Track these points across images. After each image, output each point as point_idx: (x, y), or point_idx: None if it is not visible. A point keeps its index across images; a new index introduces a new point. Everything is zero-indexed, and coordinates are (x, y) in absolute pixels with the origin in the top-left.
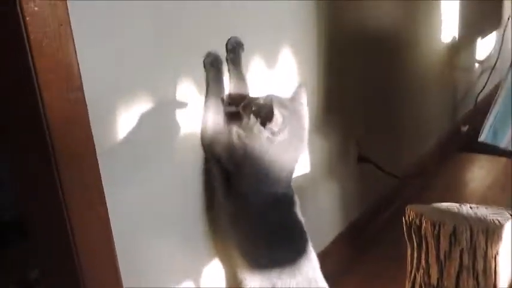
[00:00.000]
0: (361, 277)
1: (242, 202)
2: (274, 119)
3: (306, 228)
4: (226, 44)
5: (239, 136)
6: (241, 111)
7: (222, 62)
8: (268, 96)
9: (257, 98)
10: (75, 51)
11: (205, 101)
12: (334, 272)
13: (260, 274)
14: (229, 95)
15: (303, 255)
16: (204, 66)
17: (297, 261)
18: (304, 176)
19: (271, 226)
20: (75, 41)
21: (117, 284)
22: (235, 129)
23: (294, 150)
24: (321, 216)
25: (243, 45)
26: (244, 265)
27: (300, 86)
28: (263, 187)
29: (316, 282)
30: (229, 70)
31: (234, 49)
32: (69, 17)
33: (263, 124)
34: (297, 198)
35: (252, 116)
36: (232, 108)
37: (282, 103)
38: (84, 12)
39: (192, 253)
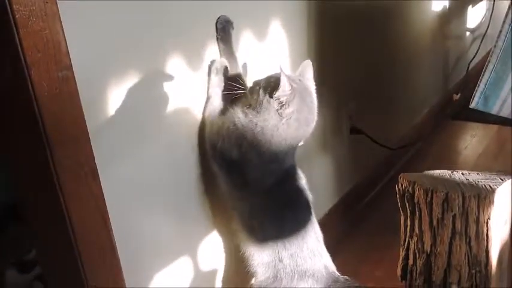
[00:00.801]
0: (357, 248)
1: (250, 186)
2: (282, 84)
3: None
4: (216, 23)
5: (246, 116)
6: (248, 93)
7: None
8: (276, 73)
9: (264, 77)
10: (63, 29)
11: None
12: (329, 244)
13: (268, 248)
14: (228, 79)
15: (308, 225)
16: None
17: (303, 232)
18: (298, 149)
19: (279, 200)
20: (62, 19)
21: (114, 260)
22: (240, 110)
23: (304, 124)
24: (315, 188)
25: (232, 23)
26: (250, 241)
27: (307, 62)
28: (272, 166)
29: (319, 253)
30: (220, 49)
31: (224, 28)
32: None
33: (271, 95)
34: (301, 173)
35: (260, 91)
36: (236, 91)
37: (290, 77)
38: None
39: (188, 228)
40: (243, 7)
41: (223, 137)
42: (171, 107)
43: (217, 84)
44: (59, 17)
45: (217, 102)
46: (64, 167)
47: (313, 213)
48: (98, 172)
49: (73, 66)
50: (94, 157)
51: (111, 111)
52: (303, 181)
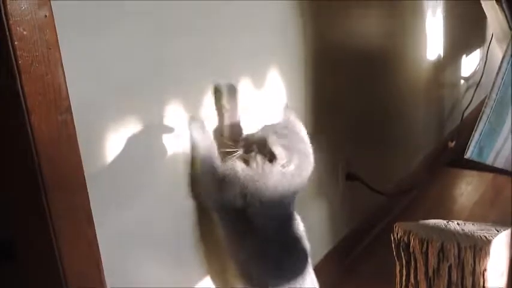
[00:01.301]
0: None
1: (252, 234)
2: (278, 156)
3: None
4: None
5: (246, 172)
6: (242, 151)
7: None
8: (263, 129)
9: (253, 134)
10: (64, 74)
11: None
12: None
13: None
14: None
15: (306, 274)
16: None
17: (300, 281)
18: None
19: (279, 247)
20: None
21: None
22: (239, 165)
23: (305, 171)
24: (310, 234)
25: (237, 89)
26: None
27: (285, 107)
28: (276, 212)
29: None
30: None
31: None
32: (58, 41)
33: (270, 161)
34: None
35: (258, 158)
36: (232, 148)
37: (279, 132)
38: (74, 35)
39: (181, 274)
40: (241, 54)
41: (224, 187)
42: (168, 155)
43: (204, 143)
44: (61, 63)
45: (209, 157)
46: (59, 211)
47: (310, 261)
48: (92, 217)
49: (73, 111)
50: (89, 202)
51: (108, 157)
52: (301, 228)
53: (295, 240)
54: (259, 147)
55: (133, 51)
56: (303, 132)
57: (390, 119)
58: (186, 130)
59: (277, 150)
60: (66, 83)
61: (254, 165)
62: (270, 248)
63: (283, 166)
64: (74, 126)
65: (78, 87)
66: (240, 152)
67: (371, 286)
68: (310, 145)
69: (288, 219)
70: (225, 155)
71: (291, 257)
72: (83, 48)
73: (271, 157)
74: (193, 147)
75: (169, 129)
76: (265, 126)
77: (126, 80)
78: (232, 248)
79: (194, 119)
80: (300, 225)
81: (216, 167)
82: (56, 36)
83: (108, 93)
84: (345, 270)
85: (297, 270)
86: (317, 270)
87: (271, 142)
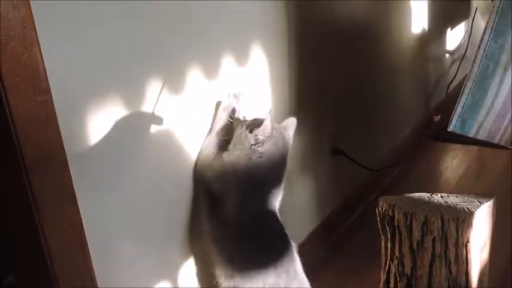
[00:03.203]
0: (338, 270)
1: (228, 222)
2: (263, 125)
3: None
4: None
5: (228, 154)
6: (234, 124)
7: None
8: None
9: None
10: (41, 54)
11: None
12: (311, 266)
13: (249, 280)
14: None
15: (286, 258)
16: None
17: (281, 264)
18: None
19: (257, 239)
20: (42, 43)
21: (91, 285)
22: (225, 152)
23: (276, 169)
24: (297, 210)
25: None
26: (231, 274)
27: (292, 120)
28: (249, 205)
29: (299, 282)
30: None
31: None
32: (33, 19)
33: (251, 131)
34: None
35: (243, 127)
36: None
37: (274, 125)
38: (51, 14)
39: (167, 255)
40: (224, 31)
41: (213, 172)
42: (153, 135)
43: (221, 121)
44: (38, 42)
45: (212, 138)
46: (42, 191)
47: (295, 257)
48: (76, 198)
49: (52, 91)
50: (72, 182)
51: (91, 136)
52: (283, 229)
53: (274, 235)
54: (252, 121)
55: (114, 29)
56: (289, 145)
57: (375, 94)
58: (170, 107)
59: (267, 121)
60: (44, 63)
61: (236, 135)
62: (247, 242)
63: (256, 141)
64: (54, 107)
65: (57, 66)
66: (234, 120)
67: (358, 261)
68: (288, 159)
69: (266, 217)
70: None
71: (270, 250)
72: (61, 29)
73: (254, 126)
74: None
75: (153, 104)
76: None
77: (107, 58)
78: (216, 242)
79: (229, 100)
80: (281, 227)
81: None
82: (32, 14)
83: (89, 72)
84: (332, 246)
85: (276, 261)
86: (304, 245)
87: (268, 116)
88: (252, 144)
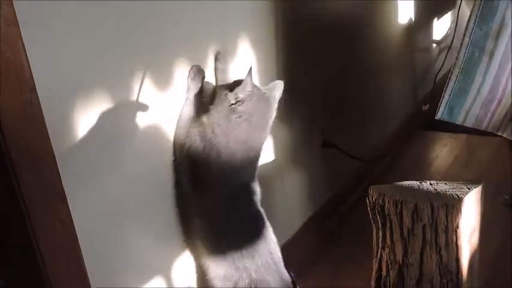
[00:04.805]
0: (333, 260)
1: (207, 194)
2: (243, 83)
3: (266, 215)
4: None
5: (207, 115)
6: (217, 87)
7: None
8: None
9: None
10: (26, 52)
11: (184, 101)
12: (304, 257)
13: (222, 261)
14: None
15: (260, 239)
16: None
17: (255, 245)
18: (270, 164)
19: (232, 216)
20: (26, 41)
21: (85, 284)
22: (205, 116)
23: (256, 133)
24: (289, 203)
25: (229, 55)
26: (207, 253)
27: (279, 82)
28: (227, 177)
29: (275, 265)
30: (216, 79)
31: (223, 59)
32: (16, 17)
33: (231, 90)
34: (258, 189)
35: (223, 88)
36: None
37: (256, 86)
38: (34, 12)
39: (161, 247)
40: (211, 25)
41: (190, 140)
42: (139, 128)
43: (193, 89)
44: (22, 40)
45: (188, 107)
46: (30, 190)
47: (267, 227)
48: (65, 196)
49: (37, 90)
50: (61, 180)
51: (78, 133)
52: (258, 203)
53: (249, 213)
54: (234, 82)
55: (99, 26)
56: (273, 106)
57: (364, 86)
58: (156, 100)
59: (247, 79)
60: (28, 61)
61: (216, 96)
62: (224, 214)
63: (236, 99)
64: (40, 105)
65: (41, 64)
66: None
67: (351, 250)
68: (270, 125)
69: (243, 190)
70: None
71: (244, 229)
72: (45, 27)
73: (235, 85)
74: (186, 90)
75: (138, 98)
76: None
77: (92, 56)
78: (194, 209)
79: (196, 66)
80: (258, 200)
81: (194, 108)
82: (15, 12)
83: (74, 70)
84: (326, 236)
85: (252, 238)
86: (297, 238)
87: (248, 74)
88: (232, 104)
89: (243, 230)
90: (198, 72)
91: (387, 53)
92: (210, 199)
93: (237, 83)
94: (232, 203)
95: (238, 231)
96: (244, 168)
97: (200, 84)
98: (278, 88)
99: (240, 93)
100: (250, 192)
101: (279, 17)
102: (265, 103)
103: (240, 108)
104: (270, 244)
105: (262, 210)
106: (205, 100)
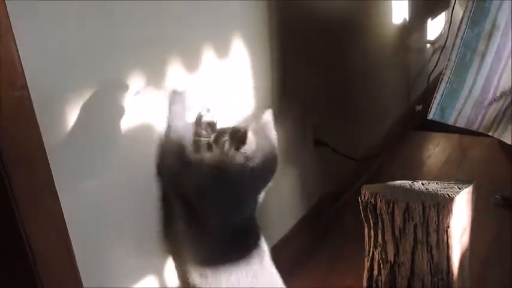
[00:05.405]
0: (326, 259)
1: (205, 233)
2: (248, 141)
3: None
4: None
5: (210, 164)
6: (212, 141)
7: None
8: (241, 124)
9: (229, 128)
10: (17, 48)
11: (167, 131)
12: (296, 257)
13: (212, 275)
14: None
15: (254, 252)
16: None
17: (248, 259)
18: None
19: (233, 251)
20: (18, 37)
21: (77, 283)
22: (205, 158)
23: (265, 177)
24: (281, 202)
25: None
26: (194, 265)
27: (268, 113)
28: (229, 216)
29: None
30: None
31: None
32: (7, 13)
33: (237, 148)
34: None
35: (226, 144)
36: (204, 139)
37: (255, 129)
38: (25, 7)
39: (153, 245)
40: (204, 24)
41: (185, 172)
42: (131, 126)
43: (180, 116)
44: (13, 36)
45: (177, 135)
46: (22, 188)
47: (267, 255)
48: (57, 194)
49: (29, 86)
50: (53, 177)
51: (69, 130)
52: (259, 233)
53: (251, 247)
54: (231, 136)
55: (91, 22)
56: (273, 139)
57: (357, 85)
58: (147, 97)
59: (250, 136)
60: (19, 57)
61: (219, 152)
62: (222, 254)
63: (246, 157)
64: (31, 101)
65: (32, 60)
66: (211, 138)
67: (343, 249)
68: (276, 155)
69: (245, 228)
70: (196, 141)
71: (244, 259)
72: (37, 23)
73: (239, 144)
74: (169, 120)
75: (129, 96)
76: (241, 122)
77: (83, 51)
78: (190, 247)
79: (176, 91)
80: (260, 236)
81: (185, 146)
82: (5, 7)
83: (66, 66)
84: (318, 236)
85: (247, 267)
86: (290, 237)
87: (245, 130)
88: (243, 162)
89: (237, 242)
90: (180, 95)
91: (381, 52)
92: (206, 237)
93: (238, 135)
94: (233, 240)
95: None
96: (246, 206)
97: (184, 111)
98: (270, 122)
99: (248, 151)
100: (253, 229)
101: (273, 16)
102: (270, 145)
103: (251, 164)
104: (264, 257)
105: (264, 244)
106: (203, 142)
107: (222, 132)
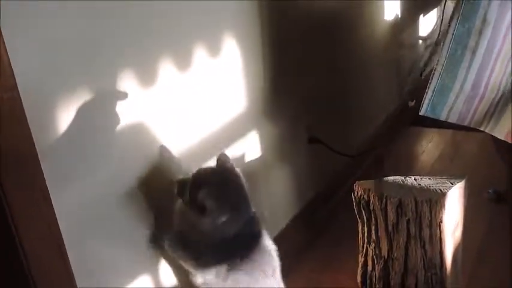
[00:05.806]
0: (320, 256)
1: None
2: (209, 209)
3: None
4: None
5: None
6: (180, 197)
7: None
8: (197, 175)
9: (188, 179)
10: (6, 49)
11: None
12: (291, 254)
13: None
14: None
15: (256, 248)
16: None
17: (250, 255)
18: (256, 160)
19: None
20: (7, 39)
21: (71, 286)
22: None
23: (235, 222)
24: (276, 199)
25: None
26: (192, 265)
27: (222, 153)
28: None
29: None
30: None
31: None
32: None
33: (202, 213)
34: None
35: (191, 212)
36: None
37: (212, 182)
38: (14, 7)
39: (145, 249)
40: (196, 22)
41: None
42: (123, 127)
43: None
44: (2, 37)
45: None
46: (13, 190)
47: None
48: (49, 195)
49: (19, 87)
50: (45, 179)
51: (60, 131)
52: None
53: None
54: (191, 195)
55: (81, 21)
56: (237, 181)
57: (350, 81)
58: (140, 99)
59: (208, 203)
60: (9, 58)
61: (188, 214)
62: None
63: (213, 218)
64: (22, 103)
65: (22, 61)
66: (179, 198)
67: (338, 246)
68: (245, 194)
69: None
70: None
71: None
72: (26, 23)
73: (202, 209)
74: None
75: (122, 97)
76: (200, 171)
77: (74, 51)
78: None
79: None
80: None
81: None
82: None
83: (56, 66)
84: (313, 232)
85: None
86: (284, 234)
87: (202, 197)
88: (212, 222)
89: (238, 239)
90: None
91: (373, 49)
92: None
93: (199, 201)
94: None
95: (234, 241)
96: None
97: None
98: (227, 159)
99: (212, 214)
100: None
101: (265, 16)
102: (235, 186)
103: (221, 219)
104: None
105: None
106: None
107: (184, 187)
